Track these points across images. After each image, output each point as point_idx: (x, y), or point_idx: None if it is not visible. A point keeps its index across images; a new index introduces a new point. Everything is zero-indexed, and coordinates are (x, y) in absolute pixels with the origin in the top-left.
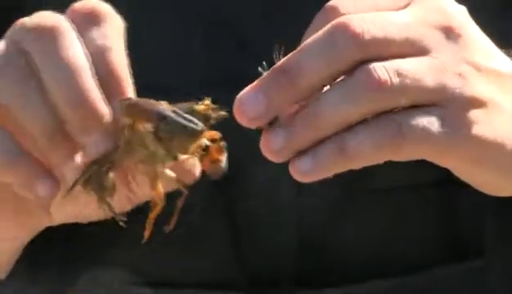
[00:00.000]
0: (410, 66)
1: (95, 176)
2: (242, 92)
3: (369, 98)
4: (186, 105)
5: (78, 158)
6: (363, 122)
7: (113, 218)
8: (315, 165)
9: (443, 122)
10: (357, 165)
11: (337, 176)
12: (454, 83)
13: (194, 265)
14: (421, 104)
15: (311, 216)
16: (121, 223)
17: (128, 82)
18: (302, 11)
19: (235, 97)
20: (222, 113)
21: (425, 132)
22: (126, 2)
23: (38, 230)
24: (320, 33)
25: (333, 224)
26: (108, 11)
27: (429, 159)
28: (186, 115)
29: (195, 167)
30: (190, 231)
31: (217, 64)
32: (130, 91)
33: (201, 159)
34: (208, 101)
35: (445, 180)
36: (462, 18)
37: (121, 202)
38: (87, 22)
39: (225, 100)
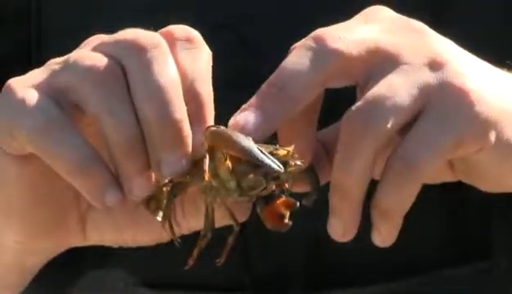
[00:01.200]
0: (383, 89)
1: (162, 197)
2: (238, 111)
3: (365, 143)
4: (268, 147)
5: (151, 175)
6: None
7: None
8: None
9: (439, 124)
10: (400, 217)
11: None
12: (427, 81)
13: (199, 267)
14: (411, 118)
15: (317, 218)
16: (177, 244)
17: (211, 110)
18: (302, 11)
19: (235, 97)
20: (299, 163)
21: (432, 145)
22: (128, 3)
23: (66, 247)
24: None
25: None
26: (200, 38)
27: (460, 171)
28: (269, 155)
29: (249, 209)
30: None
31: (218, 65)
32: (211, 120)
33: (263, 208)
34: (290, 148)
35: (450, 182)
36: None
37: (161, 233)
38: (181, 45)
39: (225, 100)
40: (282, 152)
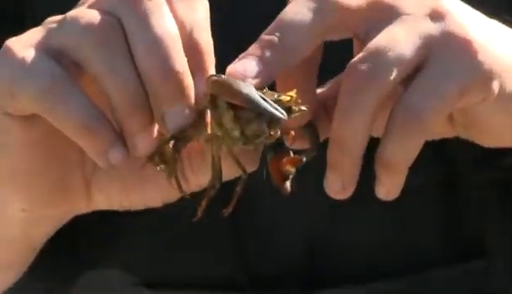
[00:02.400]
0: (385, 40)
1: (167, 151)
2: (234, 62)
3: (368, 94)
4: (271, 94)
5: (154, 130)
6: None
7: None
8: None
9: (442, 74)
10: (404, 171)
11: None
12: (430, 31)
13: (196, 266)
14: (414, 69)
15: (314, 216)
16: (187, 196)
17: (212, 59)
18: None
19: None
20: (303, 108)
21: (436, 94)
22: None
23: (71, 215)
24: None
25: (335, 225)
26: None
27: (460, 126)
28: (271, 102)
29: (257, 159)
30: (192, 231)
31: (216, 65)
32: (212, 69)
33: (271, 159)
34: (293, 93)
35: (447, 181)
36: None
37: (170, 190)
38: None
39: None
40: (285, 98)
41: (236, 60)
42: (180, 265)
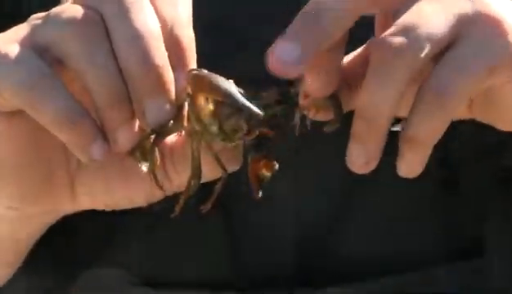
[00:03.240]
0: (417, 16)
1: (147, 147)
2: (273, 45)
3: (399, 68)
4: (250, 90)
5: (135, 125)
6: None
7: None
8: None
9: (471, 52)
10: (428, 148)
11: (336, 176)
12: (460, 9)
13: (191, 265)
14: (444, 47)
15: (309, 215)
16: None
17: (193, 55)
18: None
19: None
20: (285, 106)
21: (465, 72)
22: None
23: (57, 216)
24: None
25: (331, 224)
26: None
27: (478, 108)
28: (249, 98)
29: (239, 158)
30: (187, 230)
31: (216, 65)
32: (193, 64)
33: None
34: (273, 92)
35: (447, 179)
36: None
37: (153, 189)
38: None
39: None
40: (266, 95)
41: (273, 44)
42: (176, 264)
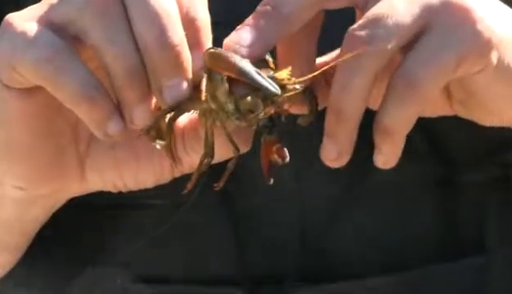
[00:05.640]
0: (384, 8)
1: (163, 126)
2: (231, 34)
3: (366, 61)
4: (267, 70)
5: (151, 103)
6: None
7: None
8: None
9: (441, 42)
10: (401, 138)
11: (337, 174)
12: (429, 0)
13: (195, 262)
14: (413, 37)
15: (311, 212)
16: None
17: (209, 34)
18: None
19: None
20: (298, 86)
21: (434, 62)
22: None
23: (64, 198)
24: None
25: (332, 221)
26: None
27: (459, 103)
28: (266, 77)
29: (251, 139)
30: (190, 228)
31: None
32: (209, 44)
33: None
34: (288, 70)
35: (446, 178)
36: None
37: (163, 170)
38: None
39: None
40: (281, 75)
41: (233, 32)
42: (180, 263)
